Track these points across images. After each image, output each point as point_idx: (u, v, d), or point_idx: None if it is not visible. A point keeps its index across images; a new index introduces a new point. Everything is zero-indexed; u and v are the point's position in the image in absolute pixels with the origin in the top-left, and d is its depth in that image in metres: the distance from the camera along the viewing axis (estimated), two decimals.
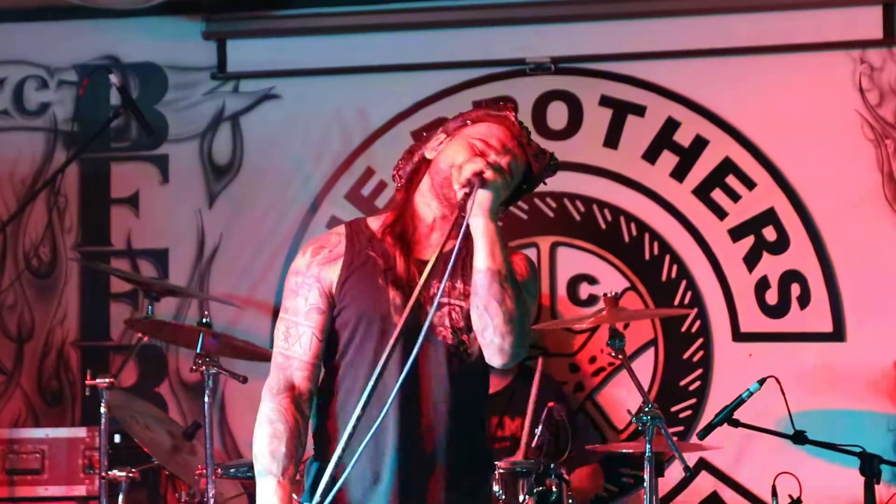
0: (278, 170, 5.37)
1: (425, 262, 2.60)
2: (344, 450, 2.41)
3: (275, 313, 5.24)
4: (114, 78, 4.98)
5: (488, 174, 2.62)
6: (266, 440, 2.68)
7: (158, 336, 4.88)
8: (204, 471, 4.21)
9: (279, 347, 2.78)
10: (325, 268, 2.77)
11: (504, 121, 2.79)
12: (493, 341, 2.62)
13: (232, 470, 4.38)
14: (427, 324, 2.47)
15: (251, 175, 5.40)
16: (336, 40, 5.37)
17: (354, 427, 2.41)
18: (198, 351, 4.34)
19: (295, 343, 2.75)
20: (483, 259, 2.60)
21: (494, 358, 2.64)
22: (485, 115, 2.81)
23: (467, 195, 2.61)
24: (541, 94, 5.24)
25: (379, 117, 5.35)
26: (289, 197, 5.35)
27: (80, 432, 4.77)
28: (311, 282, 2.77)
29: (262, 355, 4.57)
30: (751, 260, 5.10)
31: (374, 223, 2.85)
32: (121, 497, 4.25)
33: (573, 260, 5.17)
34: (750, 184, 5.11)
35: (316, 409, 2.78)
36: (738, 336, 5.07)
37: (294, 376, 2.74)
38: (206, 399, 4.30)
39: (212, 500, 4.15)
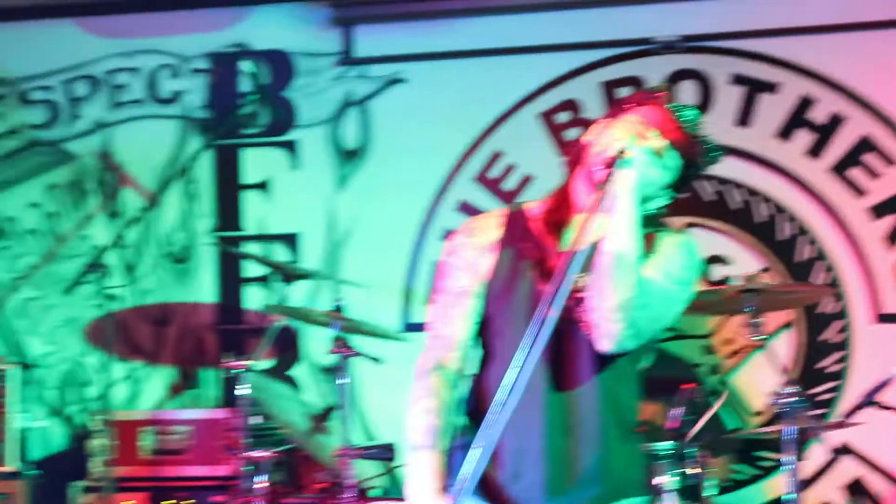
0: (406, 153, 5.39)
1: (576, 254, 2.56)
2: (484, 441, 2.41)
3: (405, 295, 5.31)
4: (244, 65, 5.06)
5: (632, 153, 2.58)
6: (417, 416, 2.70)
7: (294, 319, 4.93)
8: (341, 452, 4.25)
9: (431, 327, 2.79)
10: (480, 253, 2.75)
11: (664, 105, 2.73)
12: (598, 324, 2.58)
13: (368, 451, 4.41)
14: (555, 319, 2.43)
15: (380, 159, 5.45)
16: (463, 23, 5.38)
17: (494, 419, 2.41)
18: (332, 334, 4.38)
19: (446, 324, 2.76)
20: (611, 241, 2.57)
21: (599, 341, 2.60)
22: (645, 98, 2.77)
23: (608, 175, 2.58)
24: (670, 72, 5.18)
25: (506, 100, 5.34)
26: (417, 180, 5.37)
27: (221, 414, 4.85)
28: (465, 265, 2.76)
29: (392, 338, 4.62)
30: (893, 238, 4.97)
31: (534, 209, 2.80)
32: (262, 477, 4.30)
33: (706, 241, 5.09)
34: (890, 160, 4.99)
35: (467, 395, 2.79)
36: (880, 317, 4.96)
37: (443, 356, 2.75)
38: (342, 381, 4.34)
39: (349, 482, 4.19)
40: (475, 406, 2.75)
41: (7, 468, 4.64)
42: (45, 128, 5.63)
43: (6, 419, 4.67)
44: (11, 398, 4.68)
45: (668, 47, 5.18)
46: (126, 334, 5.48)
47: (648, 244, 2.66)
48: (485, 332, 2.76)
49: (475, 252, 2.75)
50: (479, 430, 2.48)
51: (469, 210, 5.24)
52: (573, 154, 2.78)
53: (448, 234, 2.85)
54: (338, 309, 4.47)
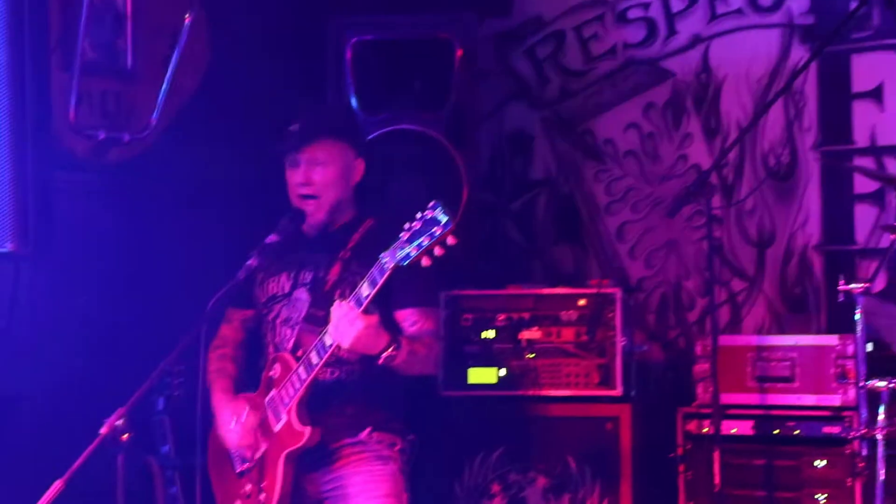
0: None
1: None
2: None
3: None
4: None
5: None
6: None
7: None
8: None
9: None
10: None
11: None
12: None
13: None
14: None
15: None
16: None
17: None
18: None
19: None
20: None
21: None
22: None
23: None
24: None
25: None
26: None
27: (831, 340, 4.53)
28: None
29: None
30: None
31: None
32: (881, 408, 3.97)
33: None
34: None
35: None
36: None
37: None
38: None
39: None
40: None
41: (615, 392, 4.67)
42: (642, 46, 5.54)
43: (615, 343, 4.69)
44: (617, 322, 4.70)
45: None
46: (726, 256, 5.33)
47: None
48: None
49: None
50: None
51: None
52: None
53: None
54: None
